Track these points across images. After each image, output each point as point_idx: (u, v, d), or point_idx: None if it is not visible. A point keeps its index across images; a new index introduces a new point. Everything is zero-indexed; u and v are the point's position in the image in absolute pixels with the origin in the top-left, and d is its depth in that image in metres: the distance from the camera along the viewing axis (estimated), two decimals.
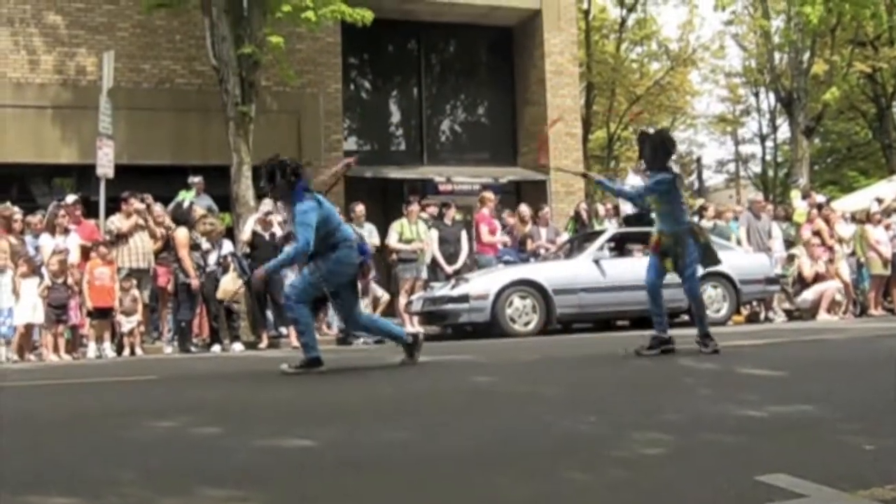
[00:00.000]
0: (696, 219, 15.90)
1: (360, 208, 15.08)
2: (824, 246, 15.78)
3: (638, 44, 36.97)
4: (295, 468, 3.63)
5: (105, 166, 13.97)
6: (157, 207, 13.71)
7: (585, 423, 4.51)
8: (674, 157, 8.51)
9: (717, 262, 8.53)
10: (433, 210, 15.54)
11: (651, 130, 10.90)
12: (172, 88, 17.22)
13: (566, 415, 4.82)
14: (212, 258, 13.13)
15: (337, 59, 18.51)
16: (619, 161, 39.22)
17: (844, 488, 2.91)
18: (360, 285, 7.99)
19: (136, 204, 13.31)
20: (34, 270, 12.31)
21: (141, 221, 13.25)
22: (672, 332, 8.27)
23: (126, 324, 12.75)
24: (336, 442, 4.20)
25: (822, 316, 15.13)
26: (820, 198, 17.77)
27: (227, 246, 13.60)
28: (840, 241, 16.24)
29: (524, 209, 16.50)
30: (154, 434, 4.66)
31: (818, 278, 15.55)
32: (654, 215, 8.46)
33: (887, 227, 16.39)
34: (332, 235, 7.60)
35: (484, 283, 13.22)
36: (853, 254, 16.43)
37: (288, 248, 7.83)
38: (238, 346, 12.98)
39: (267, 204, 13.70)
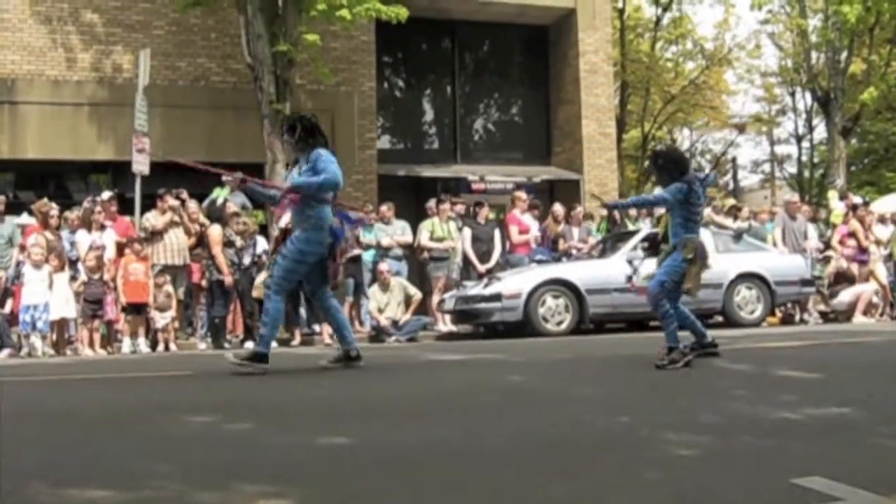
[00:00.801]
0: (730, 220, 15.85)
1: (384, 207, 15.12)
2: (860, 247, 15.64)
3: (673, 43, 36.74)
4: (330, 465, 3.65)
5: (141, 163, 14.08)
6: (192, 204, 13.80)
7: (620, 424, 4.50)
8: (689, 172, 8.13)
9: (693, 290, 7.69)
10: (460, 208, 15.53)
11: (660, 148, 10.71)
12: (208, 86, 17.33)
13: (601, 414, 4.82)
14: (246, 255, 13.20)
15: (371, 57, 18.55)
16: None
17: (881, 492, 2.90)
18: (330, 268, 7.72)
19: (171, 201, 13.41)
20: (65, 265, 12.44)
21: (176, 218, 13.34)
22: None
23: (160, 320, 12.85)
24: (371, 439, 4.21)
25: (858, 318, 14.99)
26: (857, 199, 17.61)
27: (262, 243, 13.66)
28: (877, 242, 16.09)
29: (557, 208, 16.48)
30: (190, 429, 4.69)
31: (854, 280, 15.43)
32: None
33: None
34: (311, 208, 7.44)
35: (516, 282, 13.22)
36: (890, 256, 16.27)
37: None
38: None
39: None
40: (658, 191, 15.17)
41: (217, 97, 17.20)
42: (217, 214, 13.50)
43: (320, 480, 3.40)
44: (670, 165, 7.77)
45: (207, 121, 16.94)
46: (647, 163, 7.46)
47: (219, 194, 13.96)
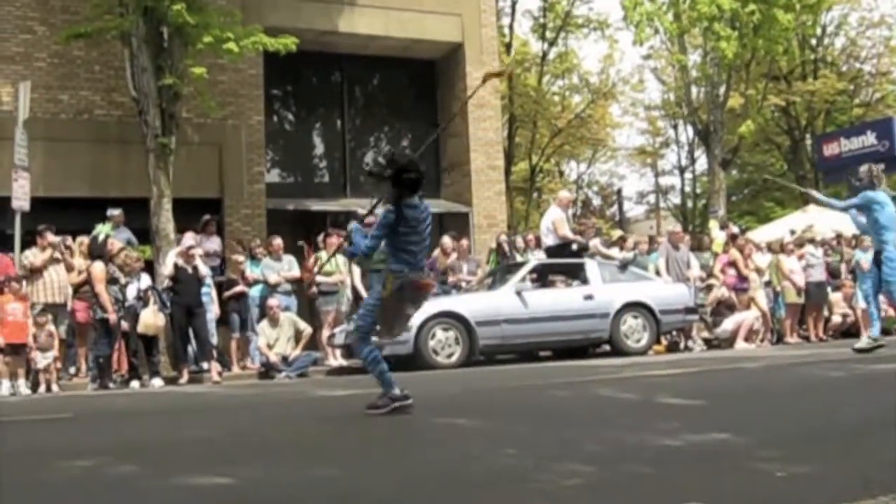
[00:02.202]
0: (616, 250, 16.16)
1: (277, 241, 15.00)
2: (740, 275, 16.09)
3: (559, 77, 37.47)
4: None
5: (20, 199, 13.68)
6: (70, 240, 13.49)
7: (508, 456, 4.53)
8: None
9: (383, 334, 6.98)
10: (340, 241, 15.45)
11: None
12: (91, 119, 16.96)
13: (488, 448, 4.84)
14: (130, 292, 12.93)
15: (259, 90, 18.42)
16: (542, 192, 39.62)
17: None
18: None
19: (51, 237, 13.06)
20: None
21: (57, 255, 13.01)
22: (592, 362, 8.30)
23: (41, 360, 12.45)
24: (256, 480, 4.16)
25: (740, 344, 15.40)
26: (735, 229, 18.13)
27: (146, 279, 13.41)
28: (757, 270, 16.56)
29: (447, 241, 16.54)
30: (70, 475, 4.56)
31: (735, 307, 15.86)
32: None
33: (800, 257, 16.78)
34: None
35: None
36: (769, 283, 16.76)
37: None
38: (158, 382, 12.76)
39: (189, 238, 13.57)
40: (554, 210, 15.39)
41: (101, 131, 16.84)
42: (99, 251, 13.18)
43: None
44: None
45: (91, 155, 16.56)
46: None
47: (101, 231, 13.66)
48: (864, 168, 11.52)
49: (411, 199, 6.61)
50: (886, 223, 10.84)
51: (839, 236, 18.70)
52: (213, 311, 14.07)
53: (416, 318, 13.01)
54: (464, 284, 15.46)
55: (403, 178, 6.57)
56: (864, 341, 11.24)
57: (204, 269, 13.45)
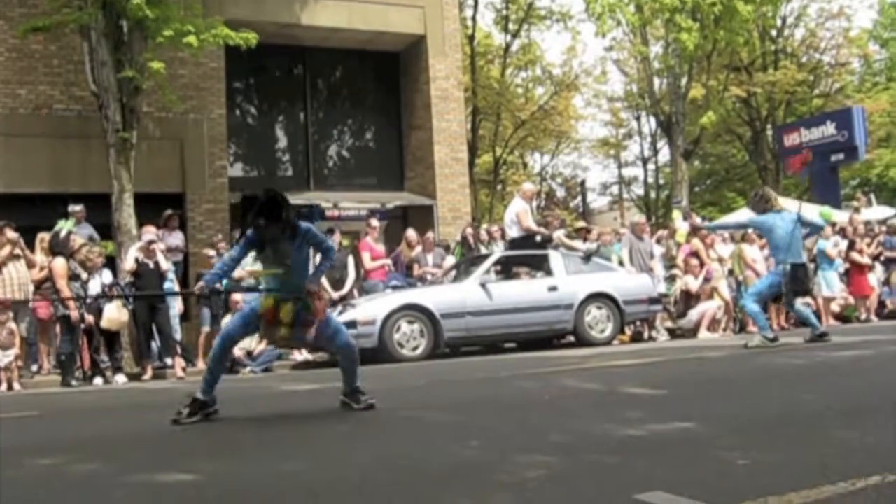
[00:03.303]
0: (580, 242, 16.22)
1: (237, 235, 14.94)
2: (701, 265, 16.20)
3: (522, 69, 37.55)
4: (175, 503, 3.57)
5: None
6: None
7: (472, 448, 4.54)
8: None
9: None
10: None
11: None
12: (50, 114, 16.78)
13: (452, 440, 4.85)
14: (92, 288, 12.82)
15: (221, 84, 18.30)
16: (506, 184, 39.68)
17: (719, 503, 3.00)
18: None
19: (10, 233, 12.91)
20: None
21: (17, 251, 12.87)
22: (556, 353, 8.35)
23: (2, 358, 12.32)
24: (219, 475, 4.15)
25: (703, 333, 15.51)
26: (698, 219, 18.25)
27: (108, 275, 13.30)
28: (720, 260, 16.68)
29: (411, 234, 16.55)
30: (33, 472, 4.53)
31: (699, 297, 15.97)
32: None
33: (763, 247, 16.92)
34: None
35: (371, 309, 13.20)
36: (731, 272, 16.89)
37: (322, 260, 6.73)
38: (121, 379, 12.66)
39: (150, 232, 13.46)
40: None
41: (60, 125, 16.66)
42: (60, 247, 13.05)
43: None
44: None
45: (50, 150, 16.40)
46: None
47: (62, 226, 13.52)
48: (754, 193, 12.04)
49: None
50: (778, 243, 11.22)
51: None
52: (175, 306, 13.99)
53: (382, 311, 13.05)
54: (429, 277, 15.48)
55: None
56: (756, 339, 11.10)
57: (165, 264, 13.34)
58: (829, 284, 17.17)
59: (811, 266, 12.97)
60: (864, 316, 17.54)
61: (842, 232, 18.21)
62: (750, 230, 15.40)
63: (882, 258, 18.64)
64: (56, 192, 15.87)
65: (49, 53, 16.81)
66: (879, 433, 4.40)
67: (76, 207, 14.36)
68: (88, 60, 15.00)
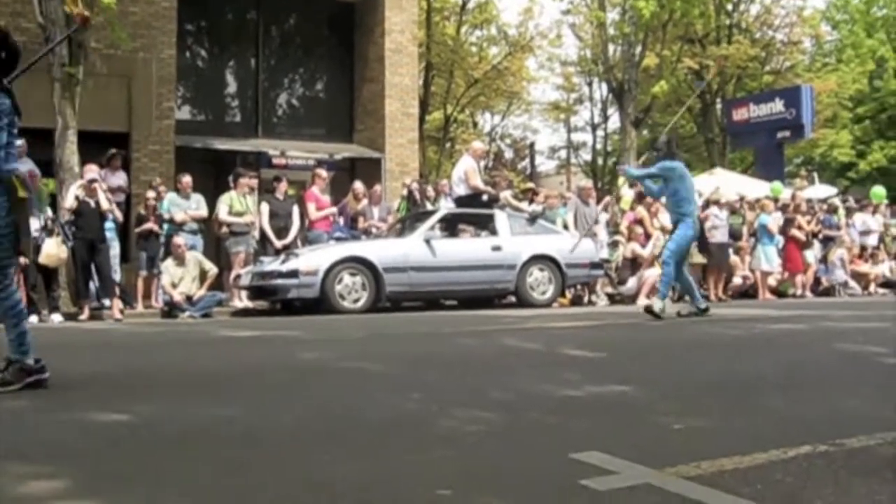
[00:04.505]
0: (526, 203, 16.25)
1: (186, 179, 14.76)
2: (646, 233, 16.34)
3: (478, 27, 37.30)
4: (108, 444, 3.53)
5: None
6: None
7: (411, 401, 4.55)
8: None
9: None
10: (252, 183, 15.30)
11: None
12: None
13: (393, 392, 4.85)
14: (32, 224, 12.58)
15: (172, 24, 17.98)
16: (456, 143, 39.59)
17: (654, 465, 3.03)
18: None
19: None
20: None
21: None
22: (497, 312, 8.38)
23: None
24: (154, 417, 4.11)
25: (642, 301, 15.66)
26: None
27: (49, 211, 13.08)
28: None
29: (358, 186, 16.47)
30: None
31: (640, 264, 16.13)
32: None
33: (705, 219, 17.09)
34: None
35: (314, 259, 13.14)
36: None
37: None
38: (57, 318, 12.51)
39: (92, 171, 13.23)
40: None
41: None
42: None
43: (97, 460, 3.28)
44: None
45: None
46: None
47: None
48: (663, 138, 11.77)
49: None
50: (686, 195, 10.66)
51: (742, 199, 19.09)
52: (115, 247, 13.82)
53: (324, 262, 13.00)
54: (374, 230, 15.44)
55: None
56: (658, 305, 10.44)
57: (106, 204, 13.12)
58: (769, 259, 17.44)
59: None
60: (799, 292, 17.85)
61: (784, 208, 18.48)
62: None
63: (821, 236, 18.96)
64: None
65: None
66: (811, 405, 4.48)
67: (17, 142, 14.03)
68: None
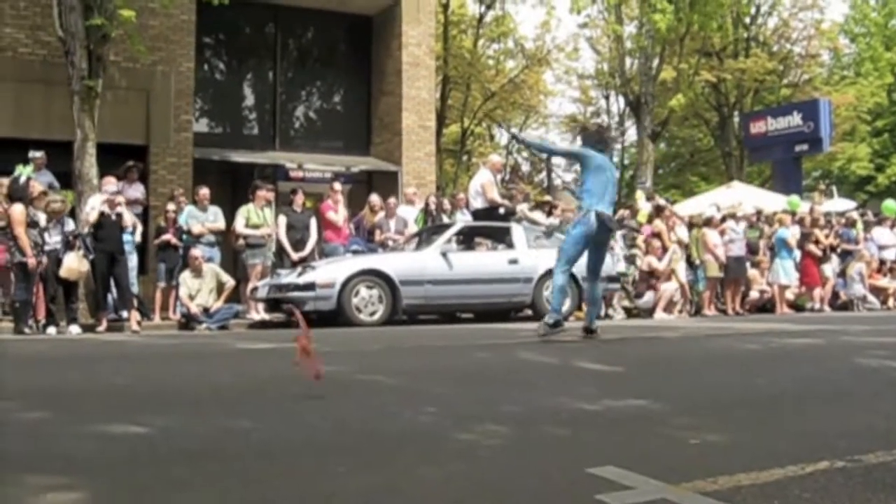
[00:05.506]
0: (542, 215, 16.23)
1: (203, 191, 14.84)
2: (664, 247, 16.31)
3: (495, 41, 37.43)
4: (125, 456, 3.53)
5: None
6: None
7: (426, 414, 4.54)
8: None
9: None
10: (270, 195, 15.33)
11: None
12: (15, 58, 16.50)
13: (407, 405, 4.84)
14: (53, 236, 12.67)
15: (191, 37, 18.09)
16: (472, 155, 39.64)
17: (671, 480, 3.02)
18: None
19: None
20: None
21: None
22: (514, 325, 8.36)
23: None
24: (171, 430, 4.11)
25: (659, 314, 15.64)
26: (661, 201, 18.35)
27: (70, 224, 13.16)
28: (679, 243, 16.81)
29: (375, 199, 16.50)
30: None
31: (658, 277, 16.09)
32: None
33: (723, 233, 17.06)
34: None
35: (331, 272, 13.17)
36: (689, 256, 17.01)
37: None
38: (75, 329, 12.57)
39: (111, 184, 13.31)
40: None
41: (25, 70, 16.40)
42: (18, 193, 12.88)
43: (113, 472, 3.29)
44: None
45: (14, 94, 16.15)
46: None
47: (21, 172, 13.33)
48: (594, 124, 11.07)
49: None
50: (592, 188, 9.32)
51: (759, 213, 19.04)
52: (133, 259, 13.89)
53: (341, 275, 13.02)
54: (391, 243, 15.45)
55: None
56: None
57: (128, 217, 13.23)
58: (786, 272, 17.36)
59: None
60: (816, 306, 17.77)
61: (801, 222, 18.41)
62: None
63: (839, 250, 18.88)
64: (17, 137, 15.64)
65: None
66: (829, 420, 4.45)
67: (36, 154, 14.16)
68: (56, 5, 14.75)
